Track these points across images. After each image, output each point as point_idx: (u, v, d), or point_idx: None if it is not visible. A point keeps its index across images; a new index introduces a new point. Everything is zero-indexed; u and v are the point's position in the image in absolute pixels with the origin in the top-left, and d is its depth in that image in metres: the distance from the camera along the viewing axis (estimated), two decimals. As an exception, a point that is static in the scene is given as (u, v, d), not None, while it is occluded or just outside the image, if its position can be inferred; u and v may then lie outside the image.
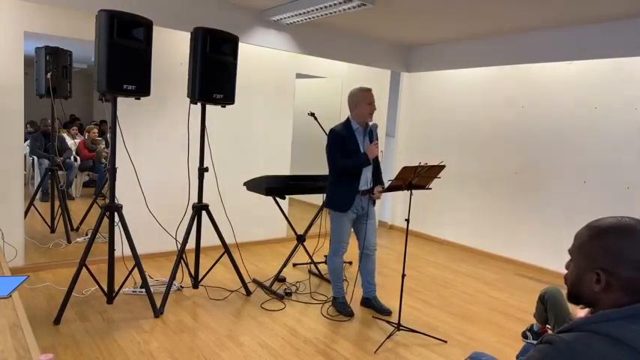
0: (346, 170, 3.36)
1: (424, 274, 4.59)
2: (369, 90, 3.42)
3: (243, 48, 4.36)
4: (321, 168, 5.37)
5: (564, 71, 4.68)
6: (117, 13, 2.86)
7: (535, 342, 1.09)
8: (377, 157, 3.44)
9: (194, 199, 3.64)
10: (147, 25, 3.03)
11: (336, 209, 3.42)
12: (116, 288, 3.38)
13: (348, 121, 3.44)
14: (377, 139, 3.39)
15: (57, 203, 4.56)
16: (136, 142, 4.26)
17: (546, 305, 2.61)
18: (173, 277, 3.42)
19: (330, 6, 3.73)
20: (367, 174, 3.42)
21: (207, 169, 3.56)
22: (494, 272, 4.80)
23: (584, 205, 4.54)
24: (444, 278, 4.51)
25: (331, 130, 3.40)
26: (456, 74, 5.71)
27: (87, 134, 5.34)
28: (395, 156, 6.41)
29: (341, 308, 3.51)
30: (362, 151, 3.38)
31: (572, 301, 1.17)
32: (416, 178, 3.17)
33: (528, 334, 3.06)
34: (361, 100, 3.37)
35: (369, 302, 3.63)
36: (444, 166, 3.24)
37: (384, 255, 5.16)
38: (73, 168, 5.14)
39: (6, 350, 1.27)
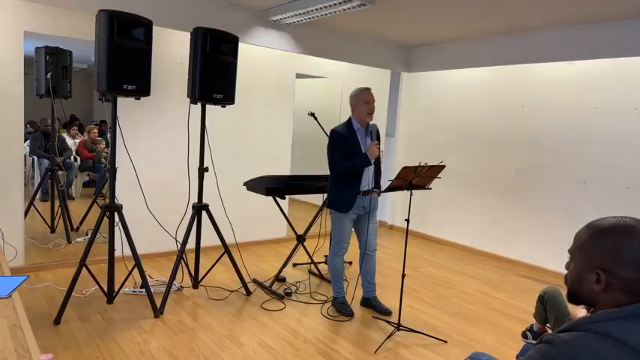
0: (347, 171, 3.35)
1: (424, 274, 4.59)
2: (367, 89, 3.41)
3: (243, 48, 4.37)
4: (321, 168, 5.36)
5: (564, 71, 4.68)
6: (117, 13, 2.86)
7: (535, 342, 1.09)
8: (378, 158, 3.43)
9: (194, 199, 3.64)
10: (147, 25, 3.03)
11: (337, 209, 3.42)
12: (116, 288, 3.38)
13: (349, 121, 3.44)
14: (378, 140, 3.38)
15: (57, 203, 4.56)
16: (136, 142, 4.26)
17: (546, 306, 2.61)
18: (173, 277, 3.42)
19: (330, 6, 3.73)
20: (369, 174, 3.41)
21: (207, 169, 3.56)
22: (494, 272, 4.80)
23: (584, 205, 4.54)
24: (444, 278, 4.51)
25: (332, 131, 3.40)
26: (456, 74, 5.71)
27: (87, 135, 5.34)
28: (395, 156, 6.41)
29: (341, 308, 3.51)
30: (363, 151, 3.37)
31: (572, 301, 1.17)
32: (416, 177, 3.17)
33: (528, 334, 3.05)
34: (359, 99, 3.37)
35: (369, 302, 3.63)
36: (443, 166, 3.24)
37: (384, 255, 5.16)
38: (73, 168, 5.14)
39: (6, 350, 1.27)
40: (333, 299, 3.60)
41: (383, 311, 3.55)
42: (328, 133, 3.45)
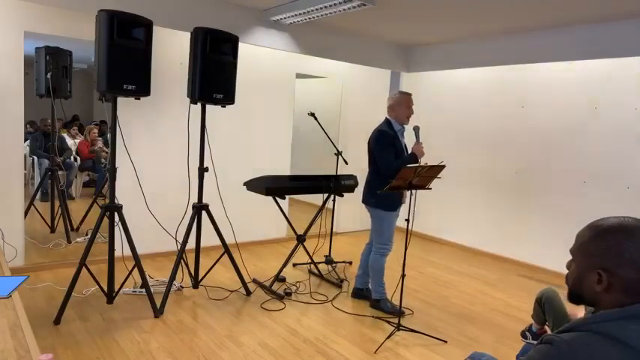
0: (398, 170, 3.41)
1: (424, 274, 4.59)
2: (410, 94, 3.56)
3: (243, 48, 4.36)
4: (321, 168, 5.36)
5: (564, 71, 4.68)
6: (117, 13, 2.86)
7: (535, 342, 1.09)
8: None
9: (194, 199, 3.64)
10: (147, 25, 3.03)
11: (388, 209, 3.49)
12: (116, 288, 3.38)
13: (389, 122, 3.52)
14: (420, 140, 3.46)
15: (57, 203, 4.56)
16: (136, 142, 4.26)
17: (544, 308, 2.60)
18: (173, 277, 3.42)
19: (330, 6, 3.73)
20: None
21: (207, 169, 3.56)
22: (494, 272, 4.80)
23: (585, 205, 4.54)
24: (444, 278, 4.50)
25: (382, 132, 3.45)
26: (456, 74, 5.71)
27: (87, 136, 5.33)
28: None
29: (390, 308, 3.53)
30: (405, 151, 3.50)
31: (573, 301, 1.17)
32: (416, 178, 3.17)
33: (527, 334, 3.05)
34: (401, 102, 3.49)
35: (362, 292, 3.76)
36: (443, 166, 3.24)
37: (384, 255, 5.15)
38: (73, 168, 5.14)
39: (6, 350, 1.27)
40: (376, 302, 3.60)
41: None
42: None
